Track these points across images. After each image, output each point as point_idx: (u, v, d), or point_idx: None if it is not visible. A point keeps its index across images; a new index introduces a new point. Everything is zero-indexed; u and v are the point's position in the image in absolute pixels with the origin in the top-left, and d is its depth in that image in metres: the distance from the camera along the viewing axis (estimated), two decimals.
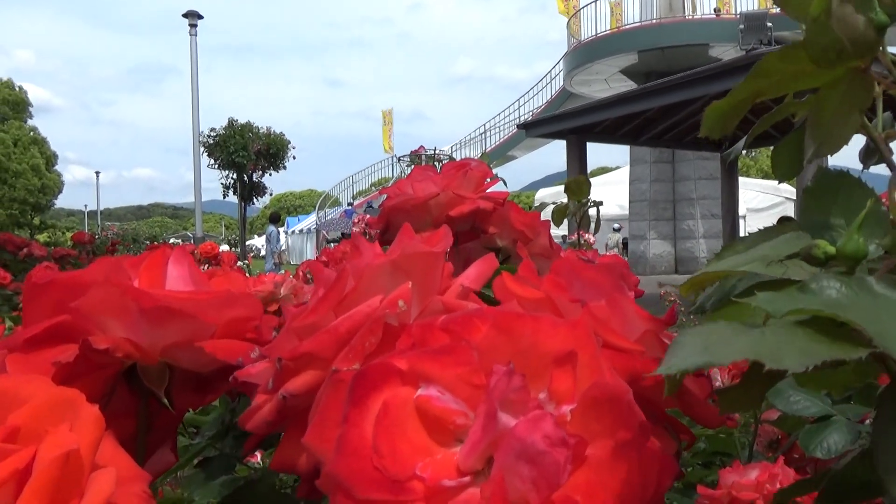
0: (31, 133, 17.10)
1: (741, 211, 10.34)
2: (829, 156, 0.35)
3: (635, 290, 0.89)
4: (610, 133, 8.46)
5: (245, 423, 0.28)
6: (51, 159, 17.50)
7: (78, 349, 0.28)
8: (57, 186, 17.59)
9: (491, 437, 0.20)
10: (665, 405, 0.31)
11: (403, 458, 0.21)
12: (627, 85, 12.16)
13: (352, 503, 0.20)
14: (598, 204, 1.49)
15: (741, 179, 10.44)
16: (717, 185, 10.36)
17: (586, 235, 1.75)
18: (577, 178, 1.33)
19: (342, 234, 7.96)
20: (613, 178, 16.41)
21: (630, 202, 12.83)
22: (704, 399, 0.31)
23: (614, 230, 12.97)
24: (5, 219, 16.25)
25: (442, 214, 0.66)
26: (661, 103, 6.81)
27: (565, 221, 1.41)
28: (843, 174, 0.33)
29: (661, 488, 0.21)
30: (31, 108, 17.98)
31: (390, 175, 19.96)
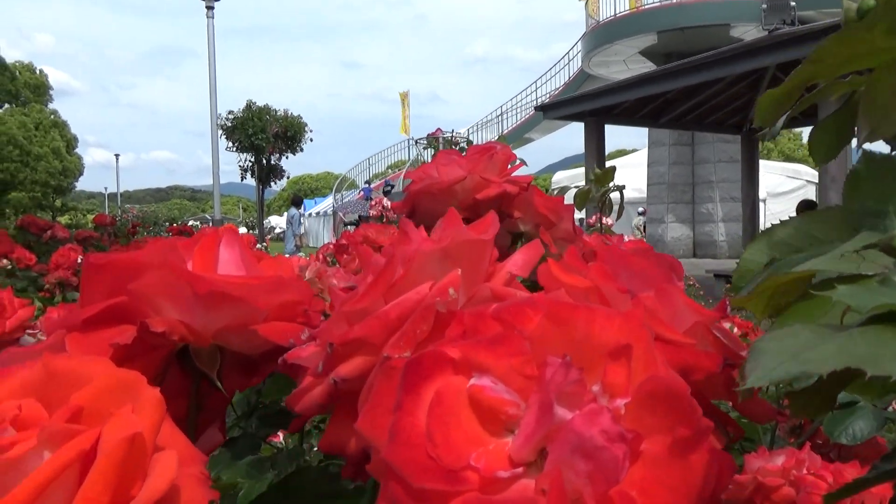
0: (52, 116, 17.27)
1: (761, 194, 10.22)
2: (871, 141, 0.34)
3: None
4: (629, 115, 8.37)
5: (294, 404, 0.29)
6: (71, 142, 17.67)
7: (135, 331, 0.28)
8: (78, 169, 17.77)
9: (545, 430, 0.20)
10: (713, 398, 0.31)
11: (457, 448, 0.21)
12: (646, 66, 12.00)
13: (405, 491, 0.20)
14: (620, 188, 1.48)
15: (762, 162, 10.28)
16: (737, 167, 10.23)
17: (606, 219, 1.74)
18: (607, 171, 1.32)
19: (359, 216, 7.97)
20: (631, 161, 16.25)
21: (648, 185, 12.71)
22: (755, 394, 0.31)
23: (639, 214, 12.88)
24: (28, 201, 16.46)
25: (468, 198, 0.65)
26: (682, 85, 6.72)
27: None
28: (889, 158, 0.32)
29: (720, 486, 0.20)
30: (51, 92, 18.13)
31: (407, 157, 19.92)
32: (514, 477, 0.21)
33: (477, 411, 0.22)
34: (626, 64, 13.30)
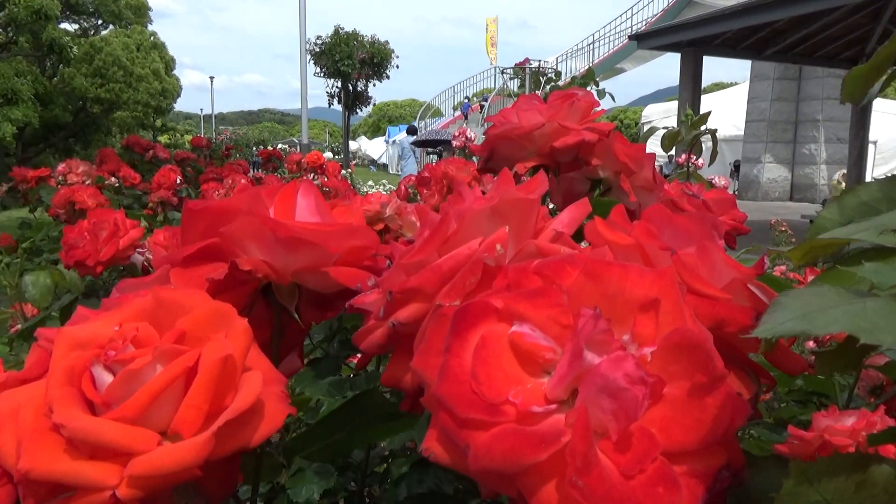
0: (152, 38, 17.89)
1: (872, 136, 9.47)
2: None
3: (741, 228, 0.87)
4: (731, 46, 7.85)
5: (358, 342, 0.33)
6: (170, 64, 18.31)
7: (227, 267, 0.33)
8: (176, 90, 18.47)
9: (576, 373, 0.23)
10: (747, 350, 0.33)
11: (498, 385, 0.24)
12: None
13: (453, 420, 0.23)
14: (713, 132, 1.40)
15: (876, 101, 9.49)
16: (847, 106, 9.49)
17: (696, 161, 1.67)
18: (701, 116, 1.27)
19: (440, 149, 7.97)
20: (729, 96, 15.33)
21: (746, 122, 12.01)
22: (787, 347, 0.33)
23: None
24: (131, 121, 17.36)
25: (546, 145, 0.66)
26: (793, 14, 6.22)
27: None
28: None
29: (732, 426, 0.22)
30: (150, 13, 18.72)
31: (492, 86, 19.55)
32: (546, 412, 0.24)
33: (517, 354, 0.25)
34: None
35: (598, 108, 0.70)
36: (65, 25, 15.83)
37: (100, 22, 17.33)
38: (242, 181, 2.17)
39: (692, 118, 1.39)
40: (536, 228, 0.33)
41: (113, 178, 2.66)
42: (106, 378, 0.28)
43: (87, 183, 2.33)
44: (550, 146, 0.66)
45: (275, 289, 0.36)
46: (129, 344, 0.28)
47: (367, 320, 0.34)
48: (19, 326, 1.41)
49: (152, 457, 0.26)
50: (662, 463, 0.22)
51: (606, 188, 0.71)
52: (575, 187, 0.73)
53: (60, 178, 2.35)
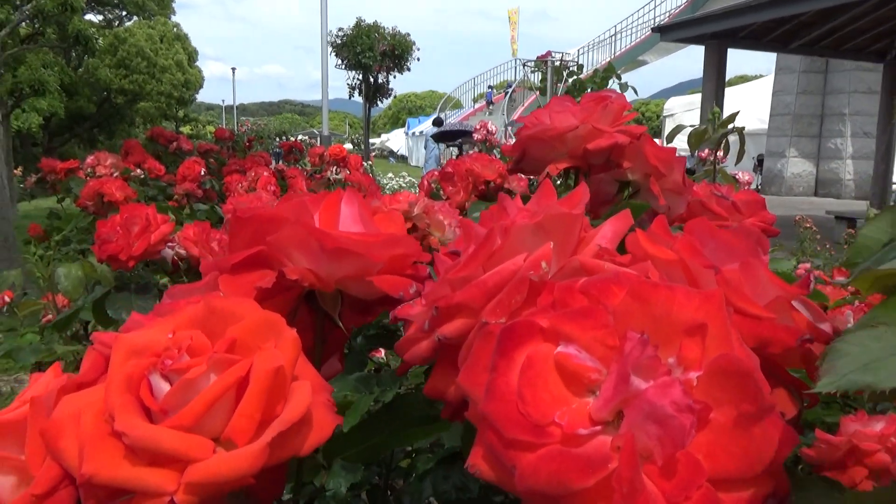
0: (175, 29, 18.07)
1: None
2: None
3: (770, 229, 0.86)
4: (756, 38, 7.73)
5: (402, 352, 0.34)
6: (192, 55, 18.48)
7: (274, 275, 0.34)
8: (198, 82, 18.64)
9: (622, 396, 0.23)
10: (789, 365, 0.32)
11: (544, 406, 0.24)
12: None
13: (499, 440, 0.24)
14: (740, 130, 1.38)
15: None
16: (874, 99, 9.31)
17: (723, 159, 1.65)
18: (728, 116, 1.25)
19: (460, 141, 7.94)
20: (754, 89, 15.11)
21: (771, 116, 11.84)
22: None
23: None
24: (154, 111, 17.59)
25: (579, 147, 0.66)
26: (820, 6, 6.11)
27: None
28: None
29: (779, 457, 0.23)
30: (173, 4, 18.89)
31: (513, 78, 19.46)
32: (592, 434, 0.24)
33: (562, 375, 0.25)
34: None
35: (630, 111, 0.70)
36: (90, 17, 16.01)
37: (124, 13, 17.51)
38: (265, 174, 2.19)
39: (719, 116, 1.38)
40: (579, 238, 0.34)
41: (139, 170, 2.70)
42: (163, 386, 0.29)
43: (114, 175, 2.37)
44: (583, 148, 0.66)
45: (318, 296, 0.37)
46: (183, 353, 0.29)
47: (408, 328, 0.35)
48: (51, 317, 1.44)
49: (209, 465, 0.27)
50: (708, 490, 0.22)
51: (635, 190, 0.70)
52: (604, 189, 0.73)
53: (89, 170, 2.39)
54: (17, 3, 11.27)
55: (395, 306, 0.36)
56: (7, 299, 1.73)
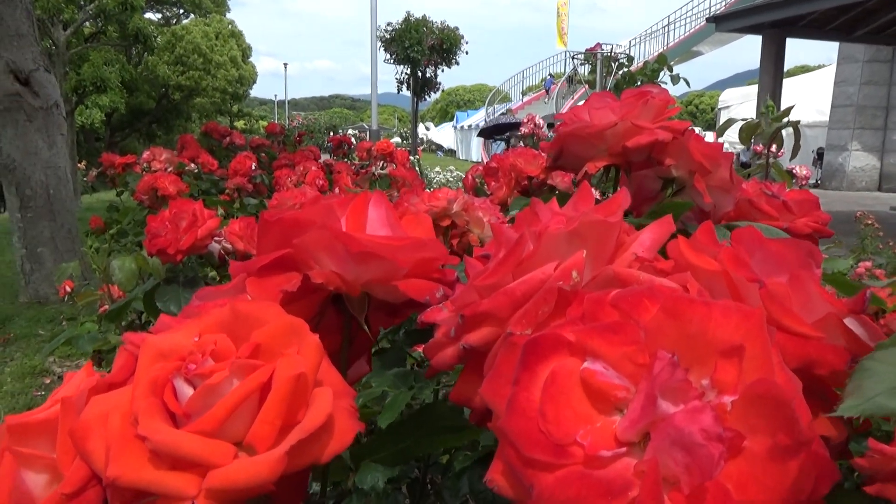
0: (230, 26, 18.49)
1: None
2: None
3: (823, 230, 0.82)
4: (817, 27, 7.44)
5: (430, 356, 0.33)
6: (246, 51, 18.89)
7: (300, 278, 0.34)
8: (252, 77, 19.05)
9: (649, 419, 0.22)
10: (839, 385, 0.30)
11: (566, 425, 0.23)
12: None
13: (518, 457, 0.23)
14: (795, 124, 1.32)
15: None
16: None
17: (777, 153, 1.58)
18: (784, 111, 1.20)
19: (508, 135, 7.88)
20: (813, 79, 14.54)
21: (832, 107, 11.38)
22: None
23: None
24: (209, 107, 18.06)
25: (618, 144, 0.64)
26: None
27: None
28: None
29: (816, 494, 0.21)
30: (228, 2, 19.32)
31: (563, 70, 19.22)
32: (615, 457, 0.23)
33: (587, 392, 0.24)
34: None
35: (673, 106, 0.67)
36: (149, 15, 16.53)
37: (181, 11, 18.03)
38: (313, 168, 2.22)
39: (773, 110, 1.32)
40: (617, 242, 0.32)
41: (193, 165, 2.77)
42: (187, 391, 0.29)
43: (168, 170, 2.44)
44: (623, 145, 0.64)
45: (345, 299, 0.36)
46: (208, 357, 0.29)
47: (438, 331, 0.34)
48: (106, 307, 1.49)
49: (229, 471, 0.27)
50: None
51: (679, 187, 0.68)
52: (647, 186, 0.70)
53: (145, 164, 2.47)
54: (81, 2, 11.71)
55: (424, 308, 0.36)
56: (68, 289, 1.80)
